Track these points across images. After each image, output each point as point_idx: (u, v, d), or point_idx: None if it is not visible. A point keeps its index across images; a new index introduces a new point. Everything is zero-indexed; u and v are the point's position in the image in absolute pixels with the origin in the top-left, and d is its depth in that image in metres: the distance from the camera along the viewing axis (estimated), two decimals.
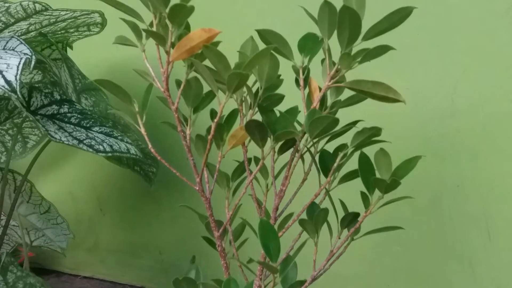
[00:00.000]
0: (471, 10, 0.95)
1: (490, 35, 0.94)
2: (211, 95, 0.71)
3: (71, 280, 1.55)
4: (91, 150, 0.89)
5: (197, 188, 0.70)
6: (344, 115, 0.75)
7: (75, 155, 1.49)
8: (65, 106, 0.96)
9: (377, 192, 0.70)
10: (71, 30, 1.10)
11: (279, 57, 0.69)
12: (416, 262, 1.07)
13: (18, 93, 0.70)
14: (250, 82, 0.68)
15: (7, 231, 1.18)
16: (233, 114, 0.74)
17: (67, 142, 0.88)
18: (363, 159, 0.71)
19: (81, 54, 1.27)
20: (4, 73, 0.71)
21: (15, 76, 0.72)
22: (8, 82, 0.71)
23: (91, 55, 1.34)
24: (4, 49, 0.83)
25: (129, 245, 1.46)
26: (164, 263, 1.41)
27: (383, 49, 0.63)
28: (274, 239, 0.61)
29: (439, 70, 0.99)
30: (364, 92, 0.64)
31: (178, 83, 0.69)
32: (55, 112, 0.95)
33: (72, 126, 0.93)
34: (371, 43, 0.63)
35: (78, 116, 0.96)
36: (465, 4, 0.95)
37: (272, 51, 0.66)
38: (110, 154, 0.91)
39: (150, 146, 0.69)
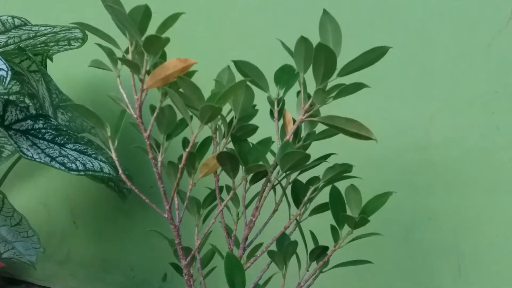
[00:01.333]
0: (451, 45, 0.96)
1: (469, 71, 0.95)
2: (184, 123, 0.71)
3: None
4: (63, 168, 0.89)
5: (166, 216, 0.70)
6: (318, 144, 0.75)
7: (49, 167, 1.48)
8: (40, 122, 0.96)
9: (346, 227, 0.70)
10: (51, 44, 1.09)
11: (254, 88, 0.69)
12: None
13: None
14: (225, 111, 0.67)
15: None
16: (206, 143, 0.74)
17: (39, 160, 0.87)
18: (334, 194, 0.71)
19: (61, 66, 1.27)
20: None
21: None
22: None
23: (71, 67, 1.33)
24: None
25: (101, 260, 1.45)
26: (135, 280, 1.39)
27: (357, 87, 0.64)
28: (240, 273, 0.61)
29: (416, 102, 1.00)
30: (337, 128, 0.64)
31: (152, 108, 0.69)
32: (30, 127, 0.94)
33: (45, 143, 0.92)
34: (347, 78, 0.63)
35: (53, 132, 0.95)
36: (445, 39, 0.96)
37: (247, 83, 0.66)
38: (82, 173, 0.91)
39: (120, 171, 0.69)
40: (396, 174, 1.02)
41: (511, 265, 0.95)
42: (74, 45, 1.14)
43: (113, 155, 0.68)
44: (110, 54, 0.65)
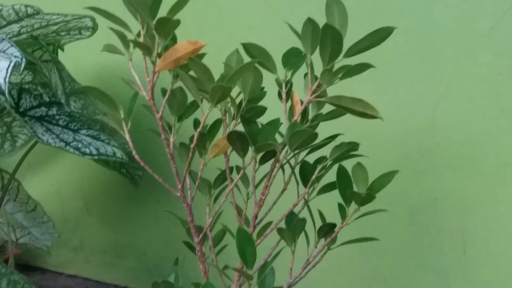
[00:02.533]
0: (455, 29, 0.96)
1: (473, 54, 0.96)
2: (195, 105, 0.73)
3: (55, 277, 1.55)
4: (77, 152, 0.90)
5: (179, 195, 0.71)
6: (326, 127, 0.77)
7: (63, 155, 1.50)
8: (54, 108, 0.98)
9: (353, 204, 0.72)
10: (62, 33, 1.11)
11: (263, 70, 0.70)
12: (393, 273, 1.08)
13: (7, 95, 0.72)
14: (234, 93, 0.69)
15: None
16: (216, 124, 0.75)
17: (54, 144, 0.89)
18: (341, 172, 0.72)
19: (72, 57, 1.28)
20: None
21: (4, 79, 0.73)
22: None
23: (82, 58, 1.35)
24: None
25: (114, 246, 1.47)
26: (148, 264, 1.42)
27: (363, 67, 0.65)
28: (251, 247, 0.63)
29: (421, 86, 1.01)
30: (343, 107, 0.66)
31: (164, 91, 0.70)
32: (44, 114, 0.96)
33: (59, 128, 0.94)
34: (354, 59, 0.65)
35: (66, 118, 0.97)
36: (449, 23, 0.97)
37: (256, 65, 0.67)
38: (96, 157, 0.92)
39: (134, 152, 0.71)
40: (402, 157, 1.03)
41: None
42: (84, 35, 1.15)
43: (127, 136, 0.70)
44: (122, 37, 0.67)
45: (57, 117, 0.96)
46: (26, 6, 0.89)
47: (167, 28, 0.61)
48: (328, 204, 0.79)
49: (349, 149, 0.69)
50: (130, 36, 0.67)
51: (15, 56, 0.82)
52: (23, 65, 0.81)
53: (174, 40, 0.70)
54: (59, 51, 1.22)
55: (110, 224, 1.47)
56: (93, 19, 1.06)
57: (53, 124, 0.95)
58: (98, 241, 1.50)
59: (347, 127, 0.82)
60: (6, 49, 0.84)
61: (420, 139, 1.01)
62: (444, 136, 1.00)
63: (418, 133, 1.01)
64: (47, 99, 0.99)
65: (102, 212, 1.48)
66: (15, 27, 0.95)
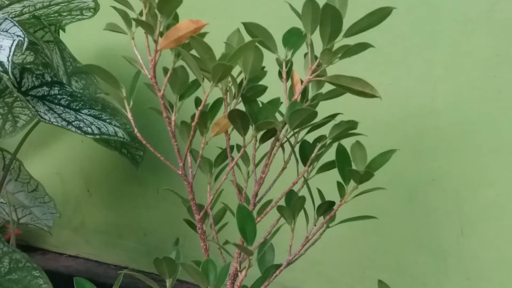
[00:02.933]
0: (453, 11, 0.97)
1: (471, 36, 0.97)
2: (196, 84, 0.74)
3: (56, 258, 1.57)
4: (79, 131, 0.91)
5: (180, 173, 0.72)
6: (325, 108, 0.78)
7: (63, 136, 1.51)
8: (56, 88, 0.98)
9: (352, 183, 0.73)
10: (64, 14, 1.11)
11: (264, 50, 0.71)
12: (392, 252, 1.10)
13: (10, 74, 0.72)
14: (235, 72, 0.70)
15: None
16: (217, 103, 0.76)
17: (56, 123, 0.90)
18: (340, 150, 0.73)
19: (73, 37, 1.29)
20: None
21: (7, 57, 0.74)
22: (0, 63, 0.73)
23: (82, 39, 1.36)
24: None
25: (115, 226, 1.49)
26: (148, 245, 1.43)
27: (362, 47, 0.66)
28: (251, 223, 0.64)
29: (420, 68, 1.02)
30: (343, 86, 0.67)
31: (165, 70, 0.71)
32: (46, 93, 0.97)
33: (61, 108, 0.95)
34: (353, 40, 0.65)
35: (68, 98, 0.98)
36: (447, 5, 0.97)
37: (257, 44, 0.68)
38: (98, 136, 0.93)
39: (136, 130, 0.72)
40: (401, 138, 1.04)
41: (509, 221, 0.98)
42: (86, 15, 1.16)
43: (129, 114, 0.71)
44: (125, 16, 0.67)
45: (59, 96, 0.97)
46: None
47: (169, 6, 0.62)
48: (327, 183, 0.80)
49: (348, 127, 0.70)
50: (133, 15, 0.68)
51: (18, 36, 0.83)
52: (25, 45, 0.82)
53: (176, 19, 0.70)
54: (60, 31, 1.22)
55: (111, 205, 1.49)
56: (94, 0, 1.07)
57: (55, 103, 0.95)
58: (99, 222, 1.52)
59: (346, 109, 0.83)
60: (9, 29, 0.85)
61: (419, 121, 1.03)
62: (442, 117, 1.01)
63: (416, 114, 1.03)
64: (49, 79, 0.99)
65: (103, 193, 1.49)
66: (17, 7, 0.96)
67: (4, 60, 0.73)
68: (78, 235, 1.56)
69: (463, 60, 0.98)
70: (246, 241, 0.63)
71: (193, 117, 0.70)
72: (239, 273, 0.71)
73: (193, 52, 0.66)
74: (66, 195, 1.53)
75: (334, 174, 0.75)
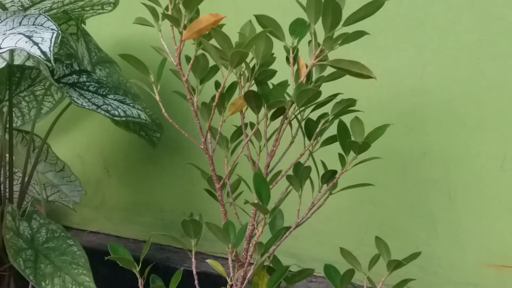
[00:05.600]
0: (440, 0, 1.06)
1: (456, 23, 1.05)
2: (215, 69, 0.82)
3: (79, 234, 1.66)
4: (108, 114, 1.00)
5: (202, 147, 0.81)
6: (328, 91, 0.86)
7: (84, 121, 1.59)
8: (84, 76, 1.07)
9: (352, 154, 0.81)
10: (87, 8, 1.19)
11: (273, 39, 0.79)
12: (387, 220, 1.19)
13: (52, 62, 0.81)
14: (247, 59, 0.78)
15: None
16: (233, 86, 0.85)
17: (88, 107, 0.98)
18: (341, 126, 0.82)
19: (91, 30, 1.37)
20: (39, 45, 0.82)
21: (49, 48, 0.82)
22: (43, 52, 0.81)
23: (99, 32, 1.44)
24: (34, 24, 0.93)
25: (133, 204, 1.58)
26: (164, 220, 1.52)
27: (359, 34, 0.74)
28: (265, 187, 0.73)
29: (411, 53, 1.10)
30: (342, 69, 0.75)
31: (188, 59, 0.79)
32: (75, 81, 1.05)
33: (90, 94, 1.04)
34: (352, 28, 0.74)
35: (95, 84, 1.06)
36: None
37: (267, 34, 0.76)
38: (124, 118, 1.02)
39: (163, 111, 0.80)
40: (394, 116, 1.13)
41: (494, 190, 1.06)
42: (106, 9, 1.23)
43: (157, 97, 0.79)
44: (153, 11, 0.76)
45: (87, 83, 1.05)
46: None
47: (193, 3, 0.71)
48: (330, 157, 0.88)
49: (347, 105, 0.79)
50: (159, 10, 0.77)
51: (52, 29, 0.91)
52: (59, 37, 0.90)
53: (197, 13, 0.79)
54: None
55: (129, 184, 1.57)
56: None
57: (84, 89, 1.04)
58: (118, 200, 1.61)
59: (346, 90, 0.91)
60: (43, 23, 0.93)
61: (410, 100, 1.11)
62: (431, 96, 1.09)
63: (408, 94, 1.11)
64: (77, 68, 1.08)
65: (121, 173, 1.58)
66: (48, 3, 1.04)
67: (47, 50, 0.81)
68: (98, 212, 1.64)
69: (449, 45, 1.06)
70: (262, 202, 0.72)
71: (213, 98, 0.79)
72: (256, 230, 0.80)
73: (212, 41, 0.75)
74: (87, 176, 1.62)
75: (335, 149, 0.83)
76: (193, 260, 0.85)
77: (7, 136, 1.19)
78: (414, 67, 1.10)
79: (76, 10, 1.17)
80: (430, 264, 1.15)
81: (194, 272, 0.85)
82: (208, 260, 0.82)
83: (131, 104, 1.07)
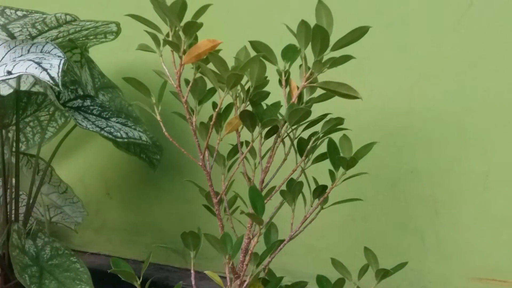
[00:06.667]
0: (424, 24, 1.11)
1: (441, 46, 1.10)
2: (212, 91, 0.87)
3: (80, 256, 1.65)
4: (111, 136, 1.05)
5: (200, 164, 0.86)
6: (320, 113, 0.91)
7: (86, 145, 1.64)
8: (88, 100, 1.12)
9: (341, 170, 0.86)
10: (91, 37, 1.25)
11: (266, 63, 0.84)
12: (378, 236, 1.22)
13: (60, 87, 0.86)
14: (243, 81, 0.83)
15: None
16: (229, 107, 0.90)
17: (92, 129, 1.03)
18: (331, 143, 0.87)
19: (94, 58, 1.42)
20: (48, 71, 0.87)
21: (57, 73, 0.87)
22: (52, 78, 0.86)
23: (102, 59, 1.49)
24: (42, 52, 0.98)
25: (133, 225, 1.61)
26: (164, 240, 1.55)
27: (346, 58, 0.79)
28: (260, 199, 0.77)
29: (398, 75, 1.15)
30: (331, 90, 0.80)
31: (187, 82, 0.85)
32: (80, 105, 1.10)
33: (94, 117, 1.08)
34: (341, 53, 0.79)
35: (99, 108, 1.11)
36: (419, 20, 1.11)
37: (261, 58, 0.82)
38: (126, 140, 1.06)
39: (164, 130, 0.85)
40: (383, 137, 1.16)
41: (478, 206, 1.10)
42: (109, 38, 1.29)
43: (158, 117, 0.84)
44: (155, 38, 0.81)
45: (91, 107, 1.10)
46: (66, 14, 1.03)
47: (192, 30, 0.76)
48: (321, 174, 0.93)
49: (336, 123, 0.84)
50: (160, 37, 0.82)
51: (59, 56, 0.96)
52: (66, 65, 0.96)
53: (196, 39, 0.84)
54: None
55: (129, 205, 1.61)
56: (118, 24, 1.20)
57: (88, 113, 1.09)
58: (118, 221, 1.64)
59: (336, 112, 0.96)
60: (51, 50, 0.98)
61: (398, 120, 1.16)
62: (418, 117, 1.14)
63: (396, 115, 1.16)
64: (81, 93, 1.13)
65: (122, 195, 1.62)
66: (54, 32, 1.09)
67: (55, 75, 0.86)
68: (99, 234, 1.68)
69: (434, 68, 1.11)
70: (257, 213, 0.76)
71: (211, 117, 0.83)
72: (251, 241, 0.84)
73: (210, 65, 0.80)
74: (88, 199, 1.65)
75: (326, 166, 0.88)
76: (192, 271, 0.89)
77: (13, 159, 1.23)
78: (401, 90, 1.15)
79: (80, 39, 1.23)
80: (420, 279, 1.19)
81: (193, 282, 0.88)
82: (206, 272, 0.85)
83: (133, 127, 1.12)
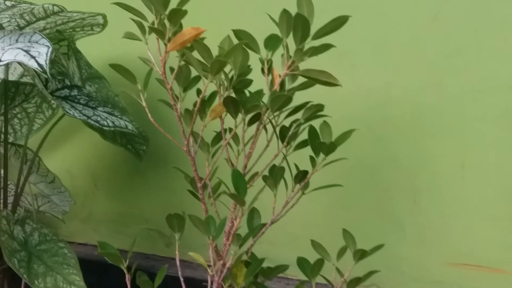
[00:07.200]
0: (401, 18, 1.13)
1: (418, 40, 1.13)
2: (197, 79, 0.89)
3: None
4: (97, 124, 1.06)
5: (185, 149, 0.87)
6: (301, 100, 0.93)
7: (72, 137, 1.64)
8: (75, 90, 1.13)
9: (321, 156, 0.88)
10: (78, 29, 1.26)
11: (250, 52, 0.86)
12: (359, 224, 1.24)
13: (48, 73, 0.87)
14: (226, 69, 0.85)
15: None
16: (213, 95, 0.91)
17: (79, 117, 1.04)
18: (311, 130, 0.89)
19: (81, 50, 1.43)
20: (36, 58, 0.88)
21: (45, 61, 0.88)
22: (40, 65, 0.87)
23: (89, 52, 1.50)
24: (30, 41, 0.99)
25: (120, 216, 1.62)
26: (149, 231, 1.57)
27: (326, 47, 0.81)
28: (242, 182, 0.79)
29: (377, 68, 1.17)
30: (312, 78, 0.82)
31: (172, 69, 0.86)
32: (67, 94, 1.11)
33: (81, 106, 1.09)
34: (320, 42, 0.81)
35: (86, 98, 1.12)
36: (397, 14, 1.13)
37: (244, 46, 0.83)
38: (112, 128, 1.08)
39: (149, 116, 0.87)
40: (363, 127, 1.19)
41: (454, 195, 1.13)
42: (95, 31, 1.30)
43: (144, 103, 0.86)
44: (140, 26, 0.83)
45: (78, 97, 1.11)
46: (53, 5, 1.04)
47: (177, 17, 0.78)
48: (302, 161, 0.94)
49: (316, 110, 0.86)
50: (145, 25, 0.83)
51: (46, 45, 0.97)
52: (54, 54, 0.97)
53: (180, 27, 0.85)
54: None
55: (115, 196, 1.62)
56: (104, 17, 1.21)
57: (75, 102, 1.10)
58: (105, 212, 1.65)
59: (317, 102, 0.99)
60: (38, 40, 0.99)
61: (378, 111, 1.18)
62: (397, 108, 1.16)
63: (376, 106, 1.18)
64: (69, 83, 1.14)
65: (108, 186, 1.63)
66: (41, 23, 1.10)
67: (43, 63, 0.87)
68: (86, 225, 1.68)
69: (412, 62, 1.14)
70: (239, 194, 0.78)
71: (195, 104, 0.85)
72: (234, 222, 0.86)
73: (195, 54, 0.81)
74: (75, 190, 1.66)
75: (307, 153, 0.90)
76: (176, 252, 0.90)
77: (1, 149, 1.24)
78: (379, 82, 1.17)
79: (68, 30, 1.24)
80: (398, 264, 1.21)
81: (178, 263, 0.90)
82: (190, 253, 0.87)
83: (119, 116, 1.13)
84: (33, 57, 0.88)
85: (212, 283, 0.90)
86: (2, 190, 1.22)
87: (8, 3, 1.02)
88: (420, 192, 1.17)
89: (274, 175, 0.89)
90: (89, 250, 1.65)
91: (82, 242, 1.71)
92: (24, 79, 1.30)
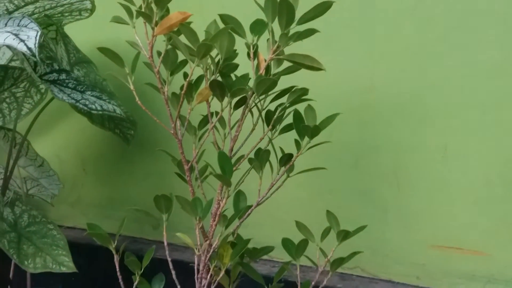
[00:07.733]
0: (384, 6, 1.15)
1: (400, 28, 1.14)
2: (184, 63, 0.89)
3: None
4: (86, 108, 1.06)
5: (172, 132, 0.88)
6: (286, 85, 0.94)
7: (61, 122, 1.65)
8: (63, 74, 1.13)
9: (306, 139, 0.89)
10: (66, 14, 1.26)
11: (235, 36, 0.87)
12: (343, 208, 1.24)
13: (37, 57, 0.87)
14: (213, 54, 0.86)
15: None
16: (200, 79, 0.92)
17: (67, 101, 1.04)
18: (296, 114, 0.90)
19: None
20: (26, 42, 0.88)
21: (34, 44, 0.88)
22: (29, 48, 0.88)
23: (77, 37, 1.50)
24: (18, 25, 0.99)
25: (108, 200, 1.63)
26: (138, 214, 1.57)
27: (310, 32, 0.82)
28: (228, 163, 0.80)
29: (361, 55, 1.18)
30: (296, 62, 0.83)
31: (159, 53, 0.87)
32: (56, 78, 1.11)
33: (69, 90, 1.10)
34: (304, 27, 0.81)
35: (74, 82, 1.13)
36: (380, 2, 1.15)
37: (230, 30, 0.84)
38: (100, 112, 1.08)
39: (137, 99, 0.87)
40: (347, 112, 1.17)
41: (437, 179, 1.15)
42: (83, 16, 1.30)
43: (131, 86, 0.86)
44: (128, 9, 0.83)
45: (66, 81, 1.12)
46: None
47: (164, 2, 0.78)
48: (288, 146, 0.96)
49: (301, 93, 0.87)
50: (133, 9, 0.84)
51: (35, 29, 0.98)
52: (42, 38, 0.97)
53: (167, 11, 0.86)
54: None
55: (104, 181, 1.63)
56: (92, 2, 1.21)
57: (64, 86, 1.10)
58: (93, 196, 1.66)
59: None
60: (27, 24, 0.99)
61: (362, 97, 1.19)
62: (381, 93, 1.17)
63: (360, 92, 1.19)
64: (57, 67, 1.14)
65: (97, 170, 1.63)
66: (30, 8, 1.10)
67: (32, 46, 0.88)
68: (75, 208, 1.69)
69: (395, 48, 1.15)
70: (225, 175, 0.79)
71: (182, 87, 0.86)
72: (220, 203, 0.87)
73: (181, 38, 0.82)
74: (64, 175, 1.66)
75: (292, 137, 0.91)
76: (164, 233, 0.92)
77: None
78: (364, 68, 1.18)
79: (56, 15, 1.24)
80: (382, 247, 1.23)
81: (166, 243, 0.91)
82: (178, 234, 0.88)
83: (107, 100, 1.13)
84: (23, 41, 0.89)
85: (199, 263, 0.92)
86: None
87: None
88: (403, 176, 1.19)
89: (260, 158, 0.90)
90: (78, 233, 1.66)
91: (71, 225, 1.71)
92: (13, 64, 1.30)
